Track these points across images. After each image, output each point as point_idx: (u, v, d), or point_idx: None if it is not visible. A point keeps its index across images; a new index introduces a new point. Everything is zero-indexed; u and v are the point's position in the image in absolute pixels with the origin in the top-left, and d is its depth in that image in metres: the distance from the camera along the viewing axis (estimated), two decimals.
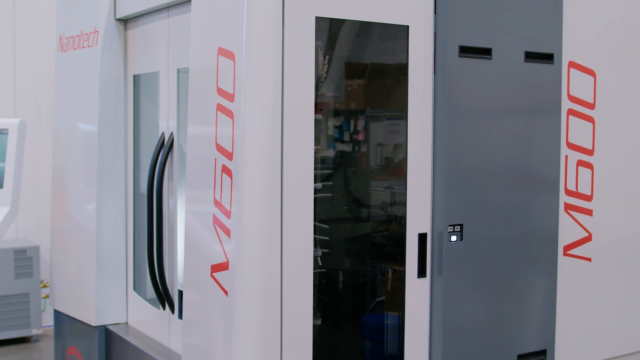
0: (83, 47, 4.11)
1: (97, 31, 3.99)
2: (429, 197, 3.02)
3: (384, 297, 3.42)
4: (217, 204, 2.84)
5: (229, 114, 2.75)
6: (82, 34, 4.12)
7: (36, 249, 6.48)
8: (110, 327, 4.08)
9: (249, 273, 2.68)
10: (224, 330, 2.77)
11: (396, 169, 3.33)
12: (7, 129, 4.30)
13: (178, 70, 3.58)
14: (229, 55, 2.75)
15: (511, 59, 3.10)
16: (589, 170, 3.38)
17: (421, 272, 3.02)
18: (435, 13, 2.99)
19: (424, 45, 2.98)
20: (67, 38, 4.27)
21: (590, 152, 3.38)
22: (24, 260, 6.41)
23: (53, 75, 4.43)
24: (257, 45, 2.66)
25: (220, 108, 2.82)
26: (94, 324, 4.05)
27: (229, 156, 2.75)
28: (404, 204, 3.26)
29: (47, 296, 6.67)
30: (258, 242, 2.67)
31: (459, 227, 3.02)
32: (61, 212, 4.36)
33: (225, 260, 2.77)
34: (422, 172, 3.00)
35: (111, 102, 4.03)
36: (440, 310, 3.01)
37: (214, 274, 2.85)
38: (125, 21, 4.05)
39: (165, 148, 3.62)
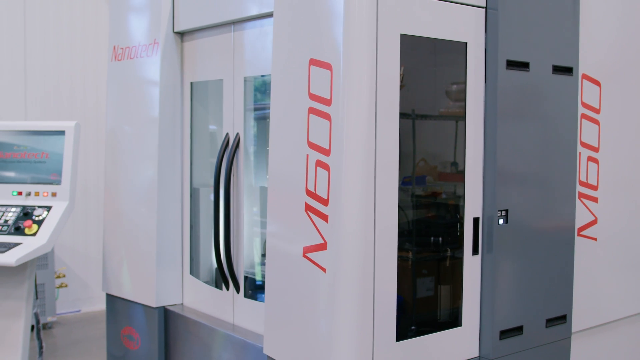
0: (141, 57, 4.22)
1: (157, 43, 4.12)
2: (480, 187, 3.32)
3: None
4: (310, 193, 3.04)
5: (325, 116, 2.96)
6: (139, 45, 4.24)
7: None
8: (169, 308, 4.22)
9: (348, 251, 2.90)
10: (323, 301, 2.98)
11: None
12: (64, 130, 4.38)
13: (245, 79, 3.77)
14: (325, 65, 2.96)
15: (543, 72, 3.41)
16: (596, 165, 3.74)
17: (474, 251, 3.31)
18: (485, 32, 3.28)
19: (475, 59, 3.27)
20: (121, 48, 4.37)
21: (596, 150, 3.74)
22: None
23: (106, 82, 4.53)
24: (355, 58, 2.88)
25: (312, 111, 3.03)
26: (154, 305, 4.18)
27: (326, 152, 2.96)
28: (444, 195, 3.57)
29: (60, 286, 6.67)
30: (357, 225, 2.90)
31: (505, 212, 3.31)
32: (116, 207, 4.46)
33: (323, 242, 2.97)
34: (476, 166, 3.29)
35: (170, 106, 4.17)
36: (490, 282, 3.31)
37: (308, 254, 3.06)
38: (181, 34, 4.19)
39: (231, 147, 3.79)
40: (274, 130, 3.29)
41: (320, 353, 2.99)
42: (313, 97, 3.03)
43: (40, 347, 4.67)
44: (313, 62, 3.03)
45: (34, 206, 4.33)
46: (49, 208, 4.30)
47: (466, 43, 3.22)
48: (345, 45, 2.88)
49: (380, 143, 2.93)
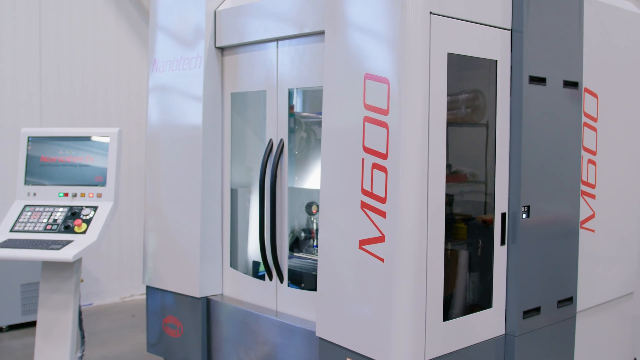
0: (184, 69, 4.35)
1: (200, 57, 4.26)
2: (506, 186, 3.57)
3: None
4: (367, 192, 3.23)
5: (382, 124, 3.16)
6: (181, 58, 4.37)
7: None
8: (211, 297, 4.36)
9: (406, 243, 3.10)
10: (380, 287, 3.18)
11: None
12: (108, 136, 4.46)
13: (289, 90, 3.94)
14: (381, 80, 3.16)
15: (556, 86, 3.69)
16: (594, 166, 4.05)
17: (502, 242, 3.56)
18: (511, 51, 3.54)
19: (502, 75, 3.52)
20: (163, 61, 4.48)
21: (594, 153, 4.05)
22: None
23: (148, 90, 4.63)
24: (411, 74, 3.09)
25: (368, 119, 3.22)
26: (198, 296, 4.31)
27: (383, 156, 3.16)
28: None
29: None
30: (413, 220, 3.11)
31: (527, 207, 3.58)
32: (158, 207, 4.57)
33: (380, 235, 3.18)
34: (503, 168, 3.54)
35: (212, 115, 4.32)
36: (514, 268, 3.57)
37: (365, 247, 3.25)
38: (222, 49, 4.33)
39: (276, 151, 3.96)
40: (326, 136, 3.48)
41: (378, 333, 3.20)
42: (368, 107, 3.23)
43: (83, 337, 4.72)
44: (368, 76, 3.23)
45: (81, 206, 4.40)
46: (95, 208, 4.39)
47: (496, 61, 3.47)
48: (401, 63, 3.09)
49: (432, 147, 3.15)
